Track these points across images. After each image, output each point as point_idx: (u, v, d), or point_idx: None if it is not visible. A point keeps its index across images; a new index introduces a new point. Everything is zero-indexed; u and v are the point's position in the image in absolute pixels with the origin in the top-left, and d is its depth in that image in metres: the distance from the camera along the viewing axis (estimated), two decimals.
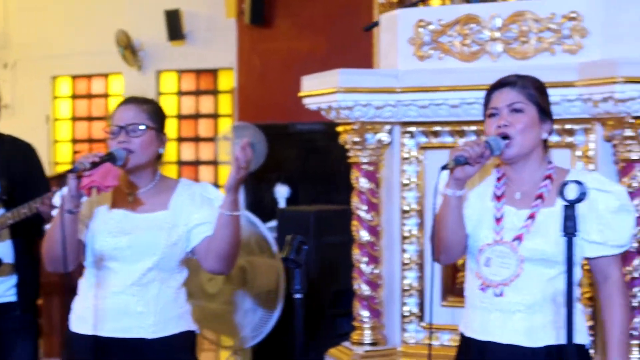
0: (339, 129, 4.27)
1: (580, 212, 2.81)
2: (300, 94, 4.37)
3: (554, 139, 3.95)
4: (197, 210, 3.24)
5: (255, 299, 5.00)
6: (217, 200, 3.21)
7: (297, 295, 2.50)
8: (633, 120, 3.69)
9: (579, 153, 3.94)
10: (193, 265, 3.33)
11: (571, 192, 2.41)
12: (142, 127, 3.20)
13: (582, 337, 2.91)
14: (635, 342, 3.76)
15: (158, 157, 3.30)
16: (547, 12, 3.98)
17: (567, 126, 3.94)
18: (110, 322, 3.20)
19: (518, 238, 2.87)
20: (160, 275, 3.21)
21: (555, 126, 3.88)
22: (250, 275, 5.00)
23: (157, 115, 3.28)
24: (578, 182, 2.44)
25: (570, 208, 2.37)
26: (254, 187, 11.34)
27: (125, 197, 3.26)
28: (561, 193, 2.42)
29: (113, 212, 3.24)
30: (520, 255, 2.85)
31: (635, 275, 3.76)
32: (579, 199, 2.41)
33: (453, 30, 4.13)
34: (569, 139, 3.95)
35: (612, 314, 2.89)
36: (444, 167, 2.84)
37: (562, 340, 2.79)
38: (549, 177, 2.92)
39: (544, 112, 2.95)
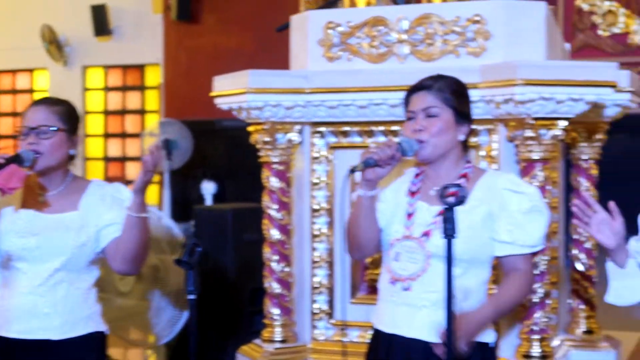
0: (250, 128, 4.32)
1: (492, 212, 2.89)
2: (212, 93, 4.41)
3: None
4: (107, 211, 3.25)
5: (167, 298, 5.02)
6: (129, 202, 3.22)
7: (190, 297, 2.54)
8: (533, 122, 3.79)
9: (482, 153, 4.03)
10: (107, 263, 3.34)
11: (450, 195, 2.48)
12: (52, 128, 3.19)
13: (487, 335, 2.96)
14: (536, 337, 3.87)
15: (70, 159, 3.29)
16: (452, 16, 4.07)
17: (472, 127, 4.02)
18: (17, 323, 3.19)
19: (426, 234, 2.91)
20: (69, 276, 3.21)
21: None
22: (162, 273, 5.02)
23: (69, 117, 3.27)
24: (458, 186, 2.51)
25: (449, 211, 2.45)
26: (180, 184, 11.33)
27: (35, 198, 3.25)
28: (441, 196, 2.49)
29: (22, 212, 3.23)
30: (428, 251, 2.89)
31: (536, 272, 3.86)
32: (459, 202, 2.48)
33: (361, 32, 4.20)
34: (473, 139, 4.03)
35: (507, 289, 2.92)
36: (353, 170, 2.90)
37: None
38: (464, 176, 2.97)
39: (461, 115, 3.00)
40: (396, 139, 2.97)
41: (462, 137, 3.00)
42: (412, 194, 3.00)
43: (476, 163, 4.01)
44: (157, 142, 3.17)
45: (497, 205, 2.88)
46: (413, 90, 3.02)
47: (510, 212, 2.89)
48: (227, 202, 9.93)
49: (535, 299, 3.86)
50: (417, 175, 3.05)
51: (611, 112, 4.34)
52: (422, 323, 2.90)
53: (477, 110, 3.96)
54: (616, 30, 10.68)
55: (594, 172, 4.51)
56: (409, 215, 2.96)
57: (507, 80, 3.77)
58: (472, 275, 2.93)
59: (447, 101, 2.95)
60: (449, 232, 2.45)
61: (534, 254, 3.00)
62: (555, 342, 4.27)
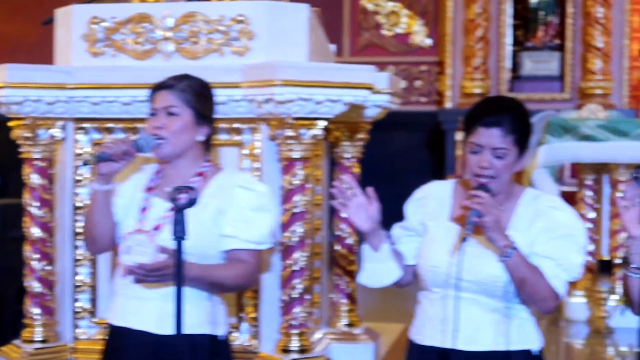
0: (11, 124, 4.21)
1: (222, 208, 2.95)
2: None
3: (223, 137, 4.10)
4: None
5: None
6: None
7: None
8: (293, 121, 3.88)
9: (246, 151, 4.09)
10: None
11: (181, 197, 2.51)
12: None
13: (217, 327, 3.03)
14: (295, 331, 3.97)
15: None
16: (216, 15, 4.10)
17: (235, 125, 4.08)
18: None
19: (157, 228, 2.96)
20: None
21: (224, 125, 4.06)
22: None
23: None
24: (189, 188, 2.55)
25: (179, 213, 2.47)
26: None
27: None
28: (172, 199, 2.52)
29: None
30: (157, 245, 2.92)
31: (296, 268, 3.96)
32: (189, 204, 2.51)
33: (126, 28, 4.17)
34: (236, 138, 4.09)
35: (223, 265, 2.97)
36: (85, 163, 3.02)
37: (197, 329, 2.94)
38: (201, 174, 3.03)
39: (202, 116, 3.05)
40: (135, 136, 3.03)
41: (201, 138, 3.07)
42: (149, 189, 3.07)
43: (240, 161, 4.08)
44: None
45: (227, 202, 2.96)
46: (157, 88, 3.08)
47: (238, 208, 2.98)
48: (9, 197, 9.60)
49: (295, 294, 3.96)
50: (157, 172, 3.11)
51: (372, 113, 4.49)
52: (148, 315, 2.96)
53: (240, 109, 4.03)
54: (399, 30, 11.06)
55: (356, 170, 4.65)
56: (143, 209, 3.03)
57: (267, 80, 3.84)
58: None
59: (188, 102, 3.02)
60: (179, 234, 2.48)
61: (261, 251, 3.08)
62: (317, 336, 4.39)
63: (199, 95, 3.05)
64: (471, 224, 2.63)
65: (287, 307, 3.97)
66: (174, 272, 2.74)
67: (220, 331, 3.03)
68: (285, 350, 3.96)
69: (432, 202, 2.94)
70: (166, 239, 2.87)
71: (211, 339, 2.99)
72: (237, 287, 3.07)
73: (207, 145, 3.11)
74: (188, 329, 2.89)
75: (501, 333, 2.77)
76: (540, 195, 2.87)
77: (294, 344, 3.97)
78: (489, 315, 2.77)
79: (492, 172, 2.73)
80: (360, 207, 2.84)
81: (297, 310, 3.98)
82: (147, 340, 2.94)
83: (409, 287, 3.07)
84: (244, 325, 4.09)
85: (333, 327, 4.66)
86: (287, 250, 3.97)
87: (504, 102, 2.85)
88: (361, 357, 4.52)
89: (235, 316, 4.09)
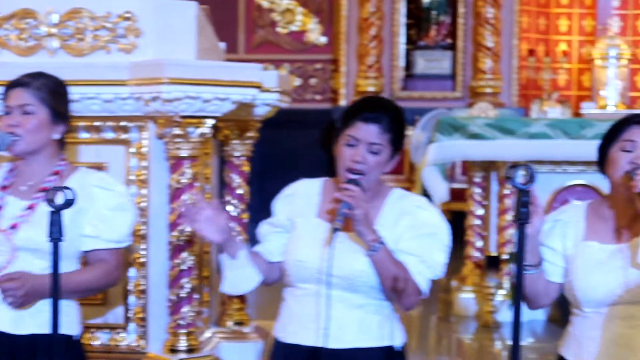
0: None
1: (80, 207, 2.92)
2: None
3: (110, 135, 4.05)
4: None
5: None
6: None
7: None
8: (181, 120, 3.86)
9: (133, 150, 4.05)
10: None
11: (59, 198, 2.47)
12: None
13: (73, 328, 3.01)
14: (183, 331, 3.95)
15: None
16: (102, 11, 4.05)
17: (122, 123, 4.04)
18: None
19: (13, 227, 2.93)
20: None
21: (110, 123, 4.02)
22: None
23: None
24: (66, 188, 2.51)
25: (56, 214, 2.44)
26: None
27: None
28: (48, 200, 2.48)
29: None
30: (14, 244, 2.91)
31: (184, 267, 3.94)
32: (67, 205, 2.48)
33: (9, 24, 4.08)
34: (123, 136, 4.05)
35: (82, 270, 3.01)
36: None
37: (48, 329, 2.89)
38: (57, 173, 3.03)
39: (58, 114, 3.05)
40: None
41: (57, 136, 3.07)
42: (3, 188, 3.04)
43: (127, 160, 4.04)
44: None
45: (85, 202, 2.97)
46: (12, 85, 3.07)
47: (97, 208, 3.00)
48: None
49: (183, 293, 3.94)
50: (11, 170, 3.09)
51: (261, 111, 4.50)
52: (6, 316, 2.93)
53: (127, 107, 3.98)
54: (294, 28, 11.10)
55: (246, 168, 4.65)
56: None
57: (154, 78, 3.81)
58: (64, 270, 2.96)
59: (44, 100, 3.03)
60: (55, 235, 2.45)
61: (121, 249, 3.11)
62: (206, 335, 4.37)
63: (54, 94, 3.04)
64: (341, 216, 2.66)
65: (175, 306, 3.95)
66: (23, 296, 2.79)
67: (74, 331, 3.02)
68: (173, 350, 3.93)
69: (300, 199, 2.94)
70: (23, 237, 2.88)
71: (66, 339, 2.96)
72: (99, 288, 3.12)
73: (62, 143, 3.11)
74: (42, 328, 2.89)
75: (364, 330, 2.80)
76: (407, 195, 2.92)
77: (182, 343, 3.95)
78: (354, 312, 2.79)
79: (365, 168, 2.76)
80: (209, 220, 2.81)
81: (185, 309, 3.95)
82: (2, 341, 2.92)
83: (276, 284, 3.06)
84: (132, 326, 4.05)
85: (222, 326, 4.65)
86: (175, 250, 3.95)
87: (384, 101, 2.90)
88: (251, 356, 4.53)
89: (123, 316, 4.05)
